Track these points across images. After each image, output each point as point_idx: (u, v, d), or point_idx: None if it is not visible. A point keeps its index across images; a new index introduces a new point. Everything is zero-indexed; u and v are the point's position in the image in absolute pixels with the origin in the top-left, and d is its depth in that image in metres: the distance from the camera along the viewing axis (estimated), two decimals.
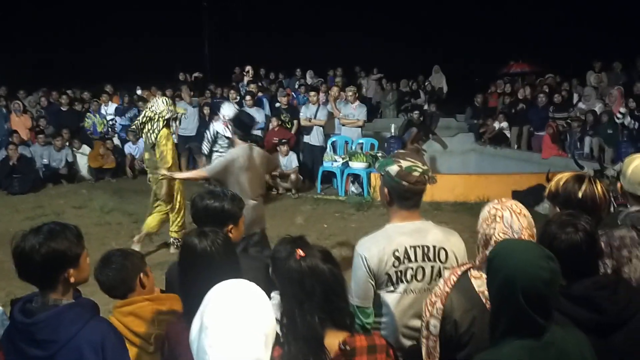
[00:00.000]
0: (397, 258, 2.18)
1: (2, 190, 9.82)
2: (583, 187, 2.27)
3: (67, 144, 10.81)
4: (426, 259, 2.21)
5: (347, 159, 9.18)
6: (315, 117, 9.75)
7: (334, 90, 10.46)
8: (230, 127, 6.25)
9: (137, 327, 2.32)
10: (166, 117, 5.96)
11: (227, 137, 7.95)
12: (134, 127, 7.44)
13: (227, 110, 7.84)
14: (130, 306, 2.40)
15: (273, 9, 21.52)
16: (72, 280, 1.98)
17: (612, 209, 3.28)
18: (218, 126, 8.26)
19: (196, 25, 20.48)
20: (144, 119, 6.05)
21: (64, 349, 1.84)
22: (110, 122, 11.76)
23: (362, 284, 2.20)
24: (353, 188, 9.25)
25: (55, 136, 10.67)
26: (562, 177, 2.40)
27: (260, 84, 12.92)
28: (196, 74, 14.15)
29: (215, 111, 9.58)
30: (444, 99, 15.12)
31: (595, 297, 1.89)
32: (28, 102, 12.27)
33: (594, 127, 10.02)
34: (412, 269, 2.20)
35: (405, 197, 2.24)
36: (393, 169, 2.22)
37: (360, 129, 9.81)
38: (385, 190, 2.29)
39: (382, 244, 2.20)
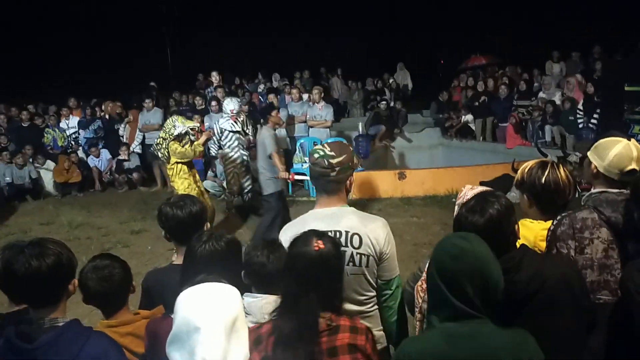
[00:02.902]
0: None
1: None
2: (546, 173, 2.34)
3: (31, 160, 10.55)
4: None
5: None
6: None
7: (294, 93, 10.40)
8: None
9: (138, 347, 2.24)
10: (174, 134, 6.44)
11: (234, 132, 7.89)
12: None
13: (233, 105, 7.96)
14: (129, 326, 2.32)
15: (233, 14, 21.42)
16: (73, 291, 1.94)
17: (576, 194, 3.36)
18: (224, 123, 7.95)
19: (156, 34, 20.23)
20: (159, 139, 6.72)
21: None
22: (74, 136, 11.53)
23: None
24: None
25: (16, 154, 10.39)
26: (527, 165, 2.48)
27: (226, 89, 12.82)
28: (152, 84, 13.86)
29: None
30: (409, 95, 15.29)
31: None
32: None
33: (554, 116, 10.25)
34: None
35: (312, 176, 2.39)
36: None
37: (328, 129, 9.83)
38: None
39: (296, 229, 2.26)
